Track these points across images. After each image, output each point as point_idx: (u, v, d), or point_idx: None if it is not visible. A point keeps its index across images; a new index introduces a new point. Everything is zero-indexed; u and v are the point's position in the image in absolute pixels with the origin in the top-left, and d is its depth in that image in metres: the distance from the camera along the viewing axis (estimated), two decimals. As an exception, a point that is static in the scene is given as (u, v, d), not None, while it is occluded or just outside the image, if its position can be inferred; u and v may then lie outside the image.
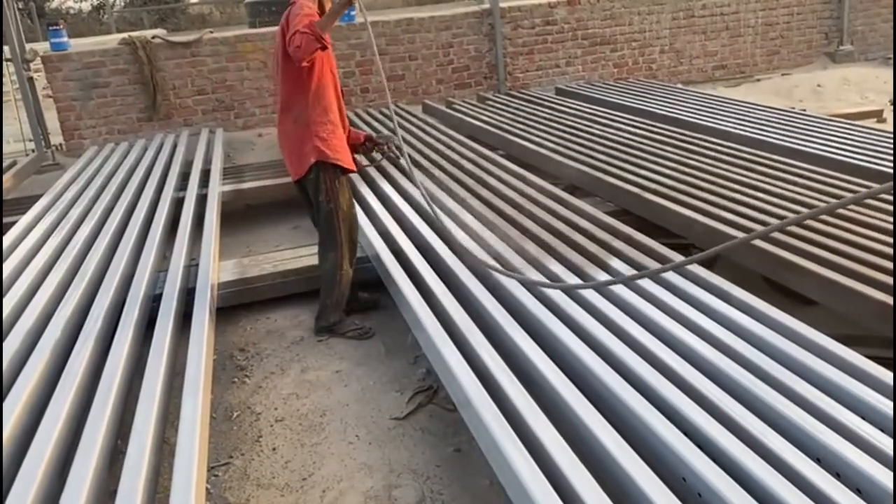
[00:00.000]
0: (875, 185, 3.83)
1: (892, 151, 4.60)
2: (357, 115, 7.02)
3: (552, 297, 2.82)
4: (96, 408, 2.29)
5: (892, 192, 3.46)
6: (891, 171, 4.17)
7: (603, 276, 2.99)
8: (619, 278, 2.72)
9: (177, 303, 3.13)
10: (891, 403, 2.01)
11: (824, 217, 3.44)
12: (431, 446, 2.56)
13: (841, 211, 3.51)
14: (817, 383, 2.15)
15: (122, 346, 2.70)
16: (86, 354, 2.62)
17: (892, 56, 9.35)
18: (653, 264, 3.05)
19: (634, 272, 2.97)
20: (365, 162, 3.83)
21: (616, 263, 3.11)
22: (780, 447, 1.86)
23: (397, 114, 6.92)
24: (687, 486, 1.82)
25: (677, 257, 3.12)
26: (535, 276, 3.05)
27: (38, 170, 6.85)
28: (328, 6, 3.17)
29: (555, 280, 3.00)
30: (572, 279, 2.98)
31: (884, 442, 1.86)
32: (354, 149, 3.68)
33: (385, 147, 3.61)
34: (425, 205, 3.38)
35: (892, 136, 5.02)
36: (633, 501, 1.79)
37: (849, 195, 3.74)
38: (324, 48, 3.00)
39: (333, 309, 3.38)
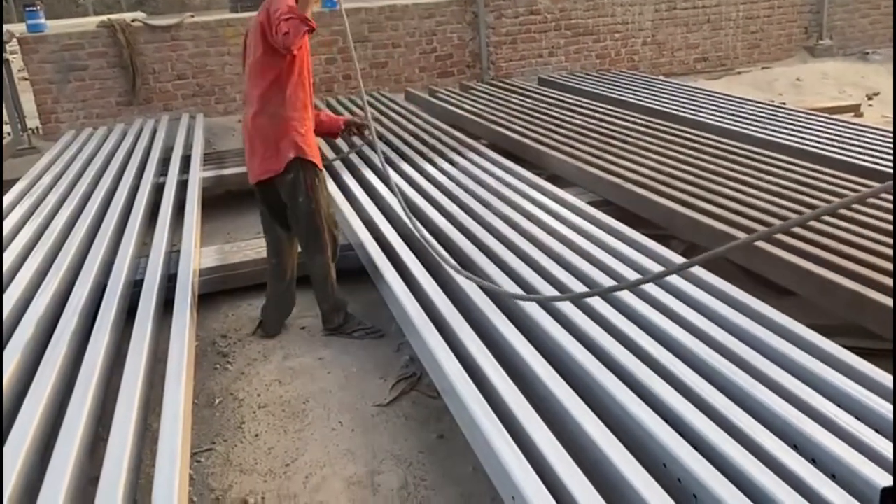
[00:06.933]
0: (854, 179, 3.90)
1: (868, 145, 4.67)
2: (339, 101, 6.99)
3: (533, 285, 2.84)
4: (77, 395, 2.27)
5: (893, 191, 3.55)
6: (866, 164, 4.23)
7: (586, 265, 3.01)
8: (619, 286, 2.55)
9: (158, 289, 3.11)
10: (865, 391, 2.05)
11: (798, 207, 3.50)
12: (414, 433, 2.58)
13: (815, 202, 3.57)
14: (794, 371, 2.19)
15: (102, 332, 2.68)
16: (66, 341, 2.59)
17: (868, 51, 9.46)
18: (633, 253, 3.08)
19: (620, 264, 3.01)
20: (345, 148, 3.74)
21: (594, 249, 3.13)
22: (758, 434, 1.90)
23: (378, 101, 6.89)
24: (668, 472, 1.86)
25: (657, 247, 3.15)
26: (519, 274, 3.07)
27: (14, 153, 6.75)
28: None
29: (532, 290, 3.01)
30: (553, 265, 3.00)
31: (859, 429, 1.90)
32: (335, 135, 3.65)
33: (366, 131, 3.51)
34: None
35: (869, 130, 5.10)
36: (614, 486, 1.82)
37: (824, 186, 3.80)
38: (311, 31, 2.89)
39: (334, 311, 3.29)
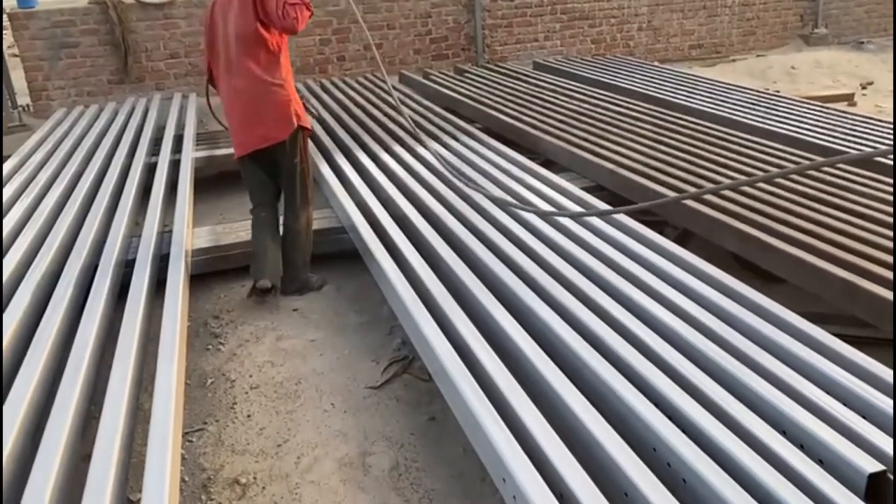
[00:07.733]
0: (846, 167, 3.91)
1: (861, 134, 4.69)
2: (333, 83, 6.95)
3: (527, 270, 2.85)
4: (69, 373, 2.27)
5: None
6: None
7: (578, 250, 3.02)
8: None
9: (150, 269, 3.10)
10: (854, 379, 2.07)
11: (789, 195, 3.52)
12: (406, 415, 2.59)
13: (808, 191, 3.59)
14: (784, 358, 2.21)
15: (94, 312, 2.67)
16: (57, 320, 2.59)
17: (863, 41, 9.46)
18: (626, 240, 3.09)
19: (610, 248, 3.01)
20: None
21: (588, 236, 3.14)
22: (748, 420, 1.92)
23: (371, 83, 6.86)
24: (657, 456, 1.87)
25: (650, 233, 3.16)
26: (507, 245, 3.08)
27: (5, 131, 6.68)
28: None
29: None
30: (545, 250, 3.01)
31: (847, 416, 1.92)
32: None
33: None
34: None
35: (862, 119, 5.11)
36: (605, 469, 1.84)
37: (815, 174, 3.81)
38: (312, 13, 3.14)
39: (305, 266, 3.49)
